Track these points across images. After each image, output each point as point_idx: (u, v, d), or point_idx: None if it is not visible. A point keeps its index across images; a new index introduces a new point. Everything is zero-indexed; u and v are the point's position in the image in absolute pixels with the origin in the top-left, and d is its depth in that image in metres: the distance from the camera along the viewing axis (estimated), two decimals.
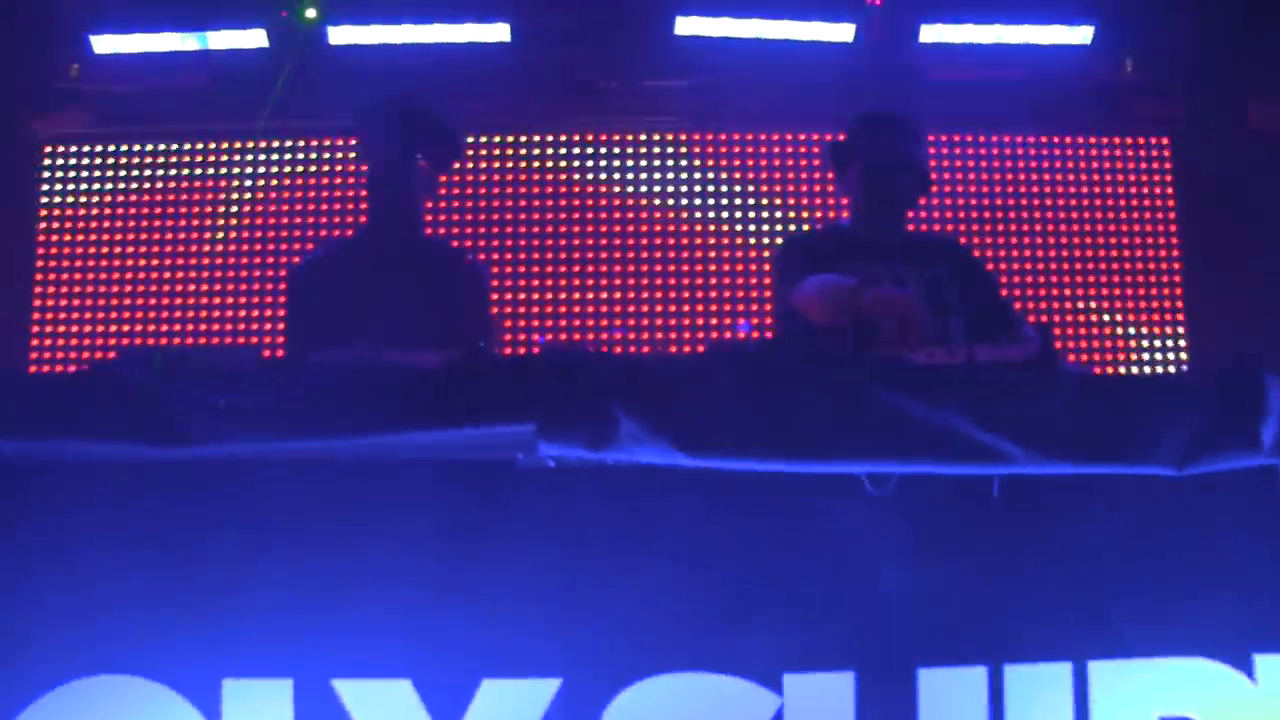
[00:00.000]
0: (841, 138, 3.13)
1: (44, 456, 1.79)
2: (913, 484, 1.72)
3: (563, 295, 5.21)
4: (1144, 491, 1.75)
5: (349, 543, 1.74)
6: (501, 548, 1.73)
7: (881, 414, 1.67)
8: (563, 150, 5.25)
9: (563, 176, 5.23)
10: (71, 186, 5.57)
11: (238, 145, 5.41)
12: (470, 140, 5.21)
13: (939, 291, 2.85)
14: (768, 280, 5.03)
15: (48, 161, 5.61)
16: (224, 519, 1.74)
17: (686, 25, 4.43)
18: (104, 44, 4.84)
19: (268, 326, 5.28)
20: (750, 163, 5.26)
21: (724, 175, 5.21)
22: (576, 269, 5.21)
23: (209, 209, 5.46)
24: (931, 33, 4.49)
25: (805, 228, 5.03)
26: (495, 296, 4.95)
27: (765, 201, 5.20)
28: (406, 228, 3.06)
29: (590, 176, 5.22)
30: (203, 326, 5.40)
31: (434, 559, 1.71)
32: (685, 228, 5.18)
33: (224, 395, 1.78)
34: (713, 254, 5.17)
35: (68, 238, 5.57)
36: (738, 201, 5.18)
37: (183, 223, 5.46)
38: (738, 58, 4.61)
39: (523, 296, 5.19)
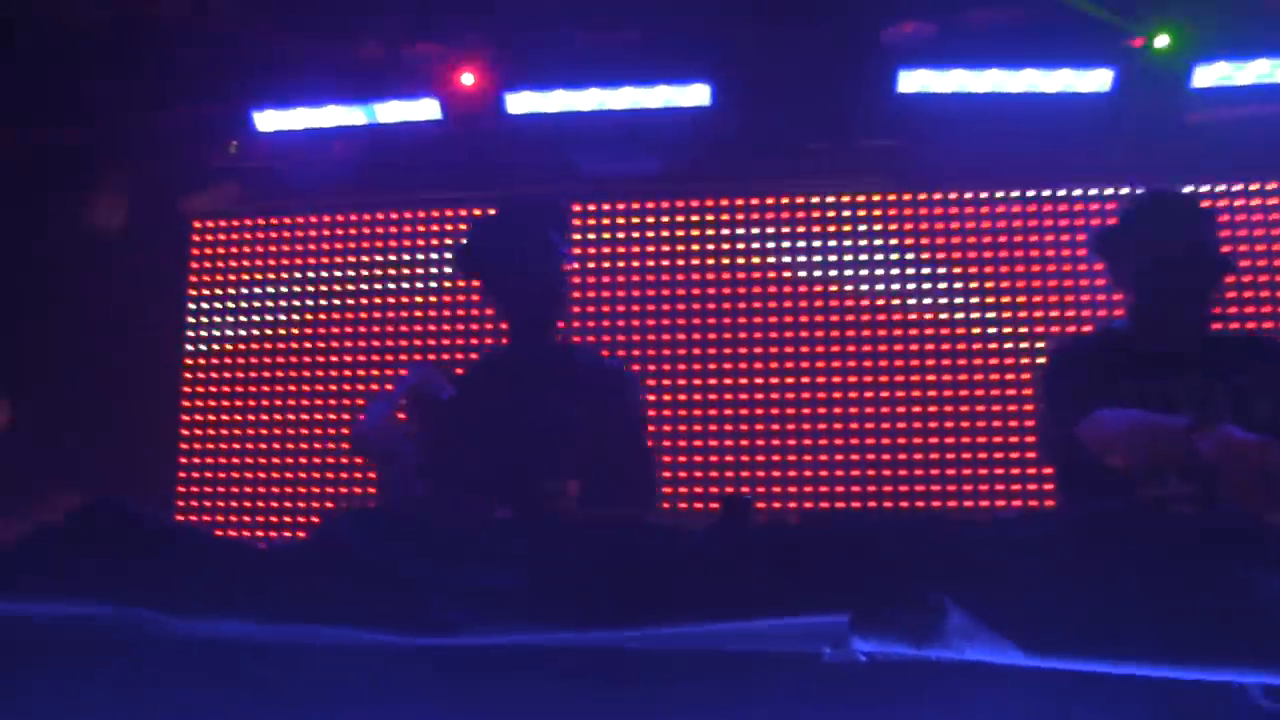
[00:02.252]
0: (1112, 222, 3.01)
1: (288, 639, 1.81)
2: None
3: (756, 395, 5.16)
4: None
5: None
6: None
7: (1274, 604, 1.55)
8: (754, 216, 5.27)
9: (753, 252, 5.21)
10: (221, 264, 5.88)
11: (406, 216, 5.62)
12: (664, 206, 5.28)
13: (1248, 407, 2.67)
14: (1014, 391, 4.91)
15: (197, 238, 5.93)
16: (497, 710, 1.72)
17: (911, 81, 4.37)
18: (267, 121, 5.05)
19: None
20: (972, 225, 5.16)
21: (939, 243, 5.12)
22: (777, 363, 5.16)
23: (374, 284, 5.66)
24: (1208, 75, 4.30)
25: (1071, 330, 4.87)
26: (654, 413, 4.98)
27: (988, 273, 5.07)
28: (550, 339, 3.07)
29: (784, 246, 5.19)
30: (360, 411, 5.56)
31: None
32: (901, 316, 5.09)
33: (479, 575, 1.77)
34: (944, 348, 5.04)
35: (217, 319, 5.84)
36: (959, 275, 5.07)
37: (345, 300, 5.69)
38: (967, 112, 4.53)
39: (713, 397, 5.19)
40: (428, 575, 1.83)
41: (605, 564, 1.83)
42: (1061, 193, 5.03)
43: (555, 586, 1.76)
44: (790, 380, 5.14)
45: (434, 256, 5.59)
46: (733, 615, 1.69)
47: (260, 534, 5.53)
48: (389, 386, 5.11)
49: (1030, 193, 5.07)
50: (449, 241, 5.58)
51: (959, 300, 5.05)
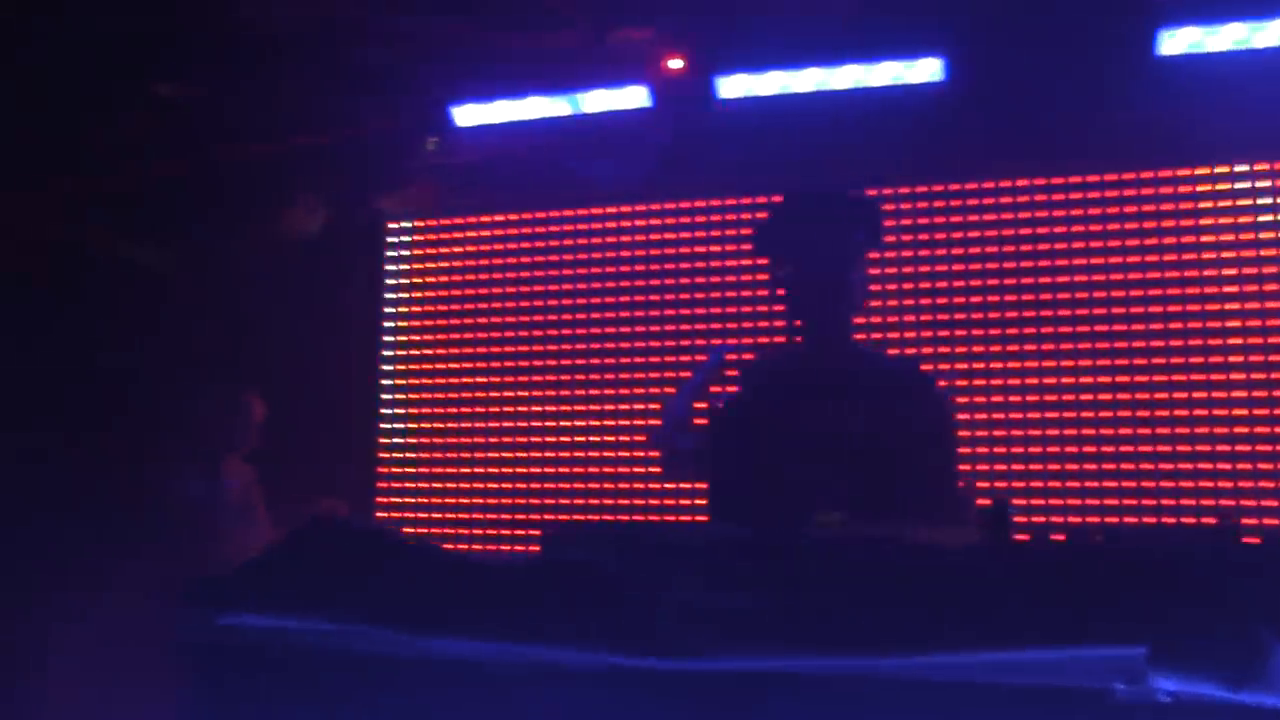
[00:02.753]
0: None
1: (517, 659, 1.82)
2: None
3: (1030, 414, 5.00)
4: None
5: None
6: None
7: None
8: (997, 201, 5.11)
9: (1005, 240, 5.06)
10: (419, 266, 6.04)
11: (610, 211, 5.67)
12: (889, 193, 5.18)
13: None
14: None
15: (392, 239, 6.11)
16: None
17: (1176, 42, 4.16)
18: (467, 115, 5.16)
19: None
20: (1248, 202, 4.89)
21: (1223, 223, 4.86)
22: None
23: (578, 284, 5.72)
24: None
25: None
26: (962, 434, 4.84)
27: None
28: (846, 345, 2.99)
29: (1039, 233, 5.02)
30: (577, 433, 5.65)
31: None
32: (1179, 308, 4.86)
33: (720, 595, 1.74)
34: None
35: (415, 324, 6.00)
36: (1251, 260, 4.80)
37: (550, 301, 5.77)
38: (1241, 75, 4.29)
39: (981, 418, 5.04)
40: (664, 594, 1.81)
41: (859, 584, 1.78)
42: None
43: (805, 608, 1.72)
44: (1065, 375, 4.96)
45: (640, 253, 5.61)
46: (1005, 643, 1.62)
47: (462, 548, 5.65)
48: (683, 377, 5.18)
49: None
50: (657, 237, 5.59)
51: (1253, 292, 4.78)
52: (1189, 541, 1.73)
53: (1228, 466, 4.69)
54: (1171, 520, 4.65)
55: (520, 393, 5.78)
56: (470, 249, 6.01)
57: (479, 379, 5.87)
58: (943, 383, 3.13)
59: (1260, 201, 4.81)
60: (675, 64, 4.82)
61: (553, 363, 5.75)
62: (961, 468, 4.68)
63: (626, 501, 5.48)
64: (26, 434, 5.21)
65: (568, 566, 1.92)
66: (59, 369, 5.29)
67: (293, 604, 2.00)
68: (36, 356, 5.20)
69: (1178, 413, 4.79)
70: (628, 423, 5.54)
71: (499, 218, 5.94)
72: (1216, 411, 4.74)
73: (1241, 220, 4.82)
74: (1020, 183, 5.09)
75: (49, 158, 5.19)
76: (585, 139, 5.11)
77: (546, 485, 5.65)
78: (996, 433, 4.90)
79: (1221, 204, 4.86)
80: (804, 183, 4.34)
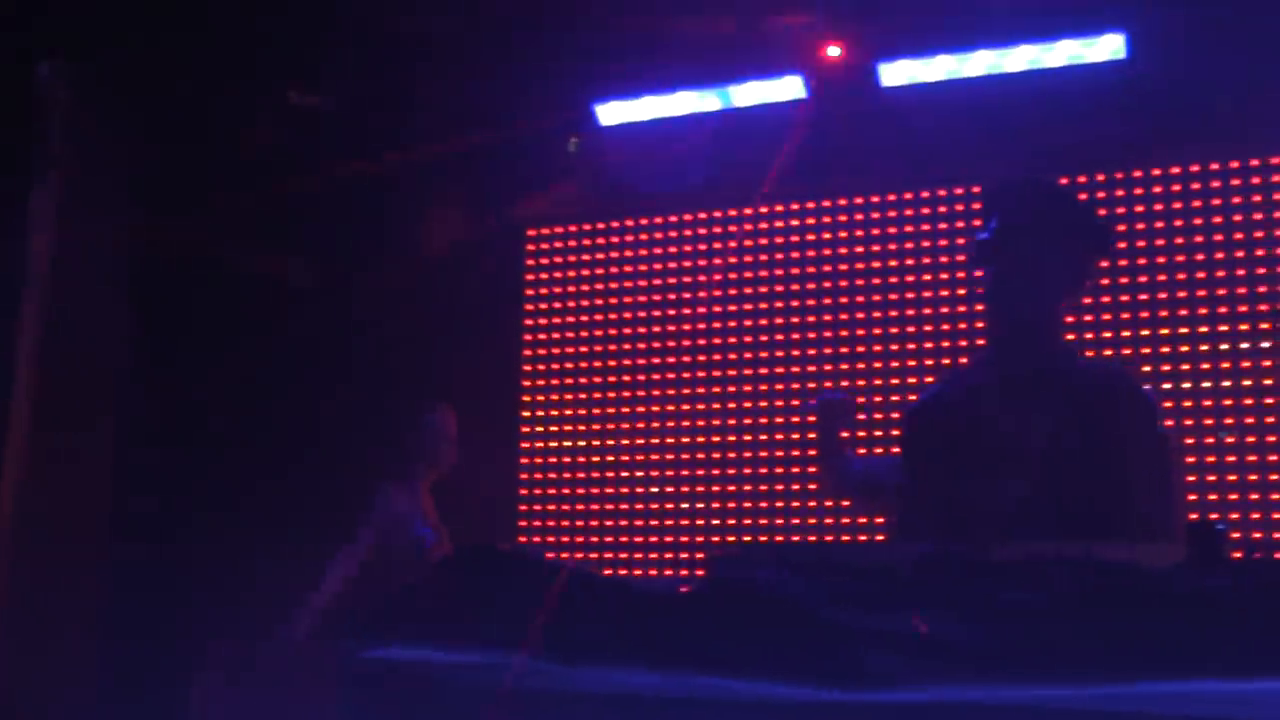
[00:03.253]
0: None
1: (692, 693, 1.85)
2: None
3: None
4: None
5: None
6: None
7: None
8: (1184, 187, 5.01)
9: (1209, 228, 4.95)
10: (559, 274, 6.12)
11: (763, 212, 5.69)
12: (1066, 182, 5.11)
13: None
14: None
15: (532, 247, 6.20)
16: None
17: None
18: (611, 113, 5.23)
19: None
20: None
21: None
22: None
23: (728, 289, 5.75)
24: None
25: None
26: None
27: None
28: (1046, 347, 2.96)
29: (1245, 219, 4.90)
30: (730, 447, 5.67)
31: None
32: None
33: (920, 620, 1.76)
34: None
35: (556, 335, 6.09)
36: None
37: (699, 309, 5.81)
38: None
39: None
40: (852, 620, 1.83)
41: (1064, 609, 1.78)
42: None
43: (1005, 634, 1.73)
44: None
45: (795, 255, 5.62)
46: (1227, 672, 1.61)
47: (616, 571, 5.70)
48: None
49: None
50: (814, 237, 5.59)
51: None
52: None
53: None
54: None
55: (668, 406, 5.81)
56: (615, 254, 6.07)
57: (624, 393, 5.92)
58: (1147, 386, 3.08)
59: None
60: (833, 51, 4.83)
61: (702, 374, 5.77)
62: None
63: (783, 521, 5.48)
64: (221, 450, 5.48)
65: (743, 589, 1.95)
66: (242, 388, 5.54)
67: (443, 635, 2.05)
68: (210, 378, 5.46)
69: None
70: (783, 437, 5.54)
71: (644, 221, 6.00)
72: None
73: None
74: (1212, 167, 4.97)
75: (194, 175, 5.42)
76: (737, 135, 5.14)
77: (698, 505, 5.68)
78: (1187, 440, 4.79)
79: None
80: (978, 176, 4.34)
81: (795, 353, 5.59)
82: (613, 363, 5.97)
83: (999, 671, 1.72)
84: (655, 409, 5.83)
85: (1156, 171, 5.01)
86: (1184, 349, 4.91)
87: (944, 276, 5.27)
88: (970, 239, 3.12)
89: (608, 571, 5.68)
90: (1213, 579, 1.87)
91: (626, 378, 5.93)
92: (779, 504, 5.53)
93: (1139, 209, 5.03)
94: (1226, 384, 4.82)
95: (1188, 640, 1.69)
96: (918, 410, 3.15)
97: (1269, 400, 4.77)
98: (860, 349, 5.46)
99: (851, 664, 1.74)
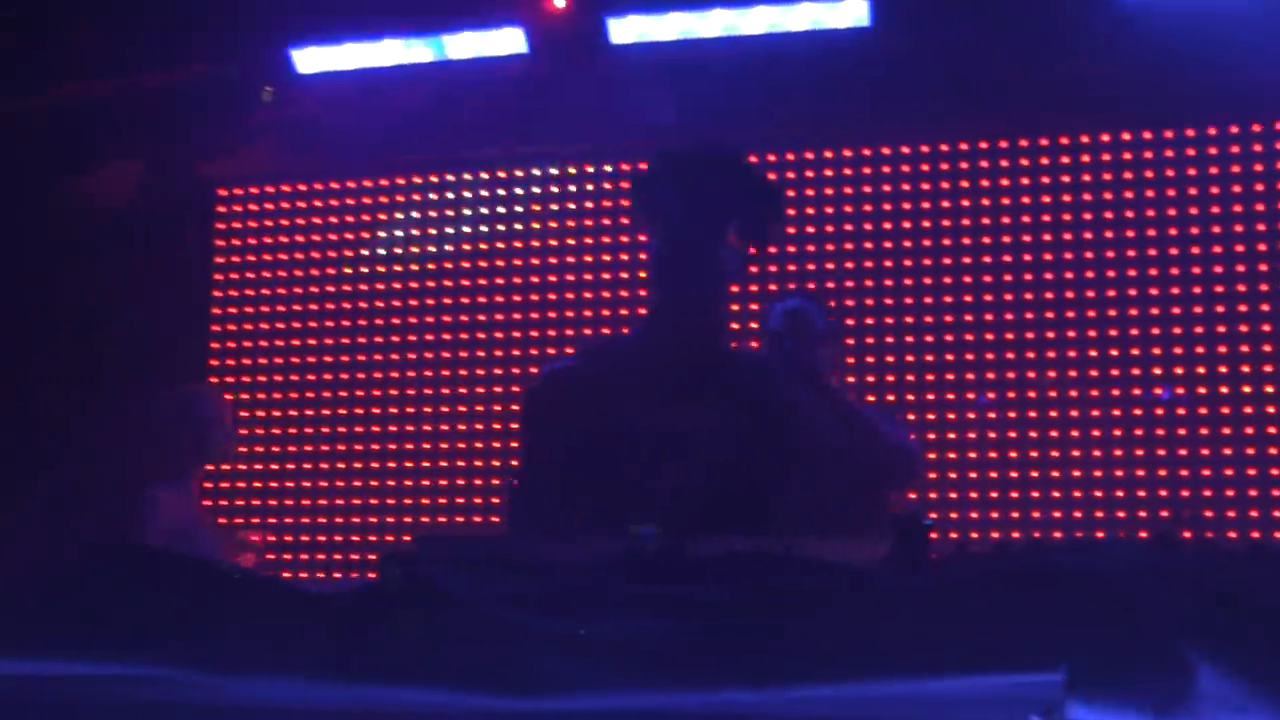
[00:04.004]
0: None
1: (357, 704, 1.85)
2: None
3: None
4: None
5: None
6: None
7: None
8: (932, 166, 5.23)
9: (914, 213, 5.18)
10: (253, 240, 5.99)
11: (484, 177, 5.70)
12: (810, 158, 5.27)
13: None
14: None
15: (223, 209, 6.06)
16: None
17: None
18: (310, 60, 5.14)
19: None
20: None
21: (1168, 196, 5.03)
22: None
23: (429, 262, 5.73)
24: None
25: None
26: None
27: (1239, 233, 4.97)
28: (705, 333, 3.05)
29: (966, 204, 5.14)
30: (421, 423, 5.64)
31: None
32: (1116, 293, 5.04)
33: (591, 620, 1.79)
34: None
35: (249, 309, 5.97)
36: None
37: (391, 282, 5.80)
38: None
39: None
40: (531, 622, 1.85)
41: (756, 608, 1.84)
42: None
43: (693, 636, 1.77)
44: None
45: (518, 227, 5.64)
46: (910, 672, 1.68)
47: (303, 575, 5.61)
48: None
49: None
50: (537, 208, 5.62)
51: (1198, 269, 4.97)
52: (1114, 555, 1.82)
53: (1164, 474, 4.87)
54: (1115, 533, 4.80)
55: (374, 391, 5.75)
56: (315, 220, 5.98)
57: (324, 374, 5.85)
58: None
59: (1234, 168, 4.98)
60: (558, 2, 4.85)
61: (411, 355, 5.73)
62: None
63: (482, 515, 5.52)
64: None
65: (413, 588, 1.95)
66: None
67: (74, 645, 1.99)
68: None
69: (1114, 412, 4.96)
70: (483, 409, 5.58)
71: (350, 185, 5.93)
72: (1157, 411, 4.93)
73: (1212, 190, 4.98)
74: (961, 146, 5.20)
75: None
76: (449, 90, 5.11)
77: (389, 485, 5.66)
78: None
79: (1189, 170, 5.02)
80: (702, 143, 4.40)
81: (499, 335, 5.64)
82: (313, 341, 5.90)
83: (685, 674, 1.76)
84: (356, 393, 5.77)
85: (906, 150, 5.24)
86: (909, 339, 5.18)
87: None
88: (638, 213, 3.16)
89: (288, 557, 5.63)
90: (913, 576, 1.95)
91: (328, 358, 5.86)
92: (477, 491, 5.56)
93: (866, 189, 5.26)
94: (951, 376, 5.06)
95: (882, 640, 1.76)
96: (546, 387, 3.18)
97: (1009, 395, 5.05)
98: (570, 315, 5.55)
99: (528, 669, 1.76)
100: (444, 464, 5.61)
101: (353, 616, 1.93)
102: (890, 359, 5.15)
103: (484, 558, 2.06)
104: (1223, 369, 4.88)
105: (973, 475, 4.99)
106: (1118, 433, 4.91)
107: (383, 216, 5.86)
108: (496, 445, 5.47)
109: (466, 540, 2.19)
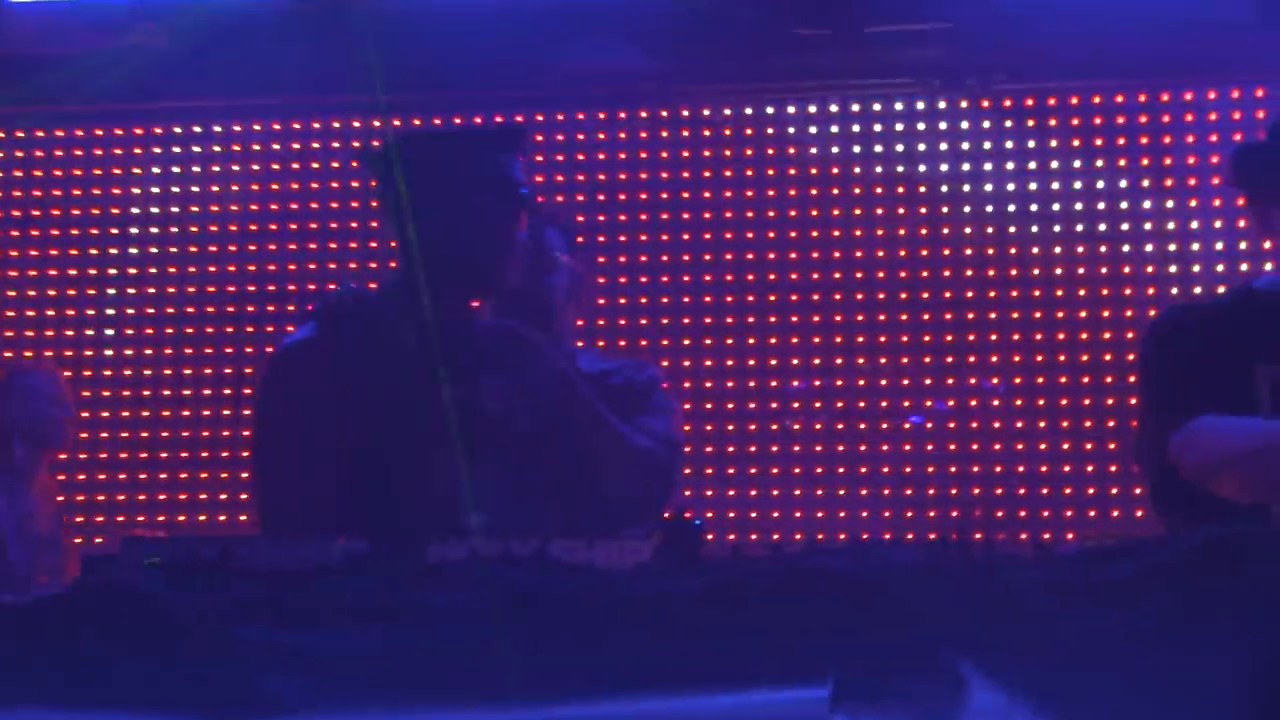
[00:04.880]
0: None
1: None
2: None
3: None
4: None
5: None
6: None
7: None
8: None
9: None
10: None
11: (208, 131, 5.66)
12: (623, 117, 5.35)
13: None
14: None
15: None
16: None
17: None
18: None
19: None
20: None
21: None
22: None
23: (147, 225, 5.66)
24: None
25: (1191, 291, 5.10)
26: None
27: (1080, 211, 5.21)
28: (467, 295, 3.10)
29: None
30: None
31: None
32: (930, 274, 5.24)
33: (320, 632, 1.79)
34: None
35: None
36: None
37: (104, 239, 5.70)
38: None
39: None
40: (246, 633, 1.84)
41: (497, 615, 1.85)
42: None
43: (426, 649, 1.78)
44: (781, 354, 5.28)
45: (254, 187, 5.60)
46: (669, 688, 1.71)
47: None
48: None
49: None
50: (277, 167, 5.60)
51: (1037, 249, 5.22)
52: (890, 557, 1.87)
53: (954, 470, 5.11)
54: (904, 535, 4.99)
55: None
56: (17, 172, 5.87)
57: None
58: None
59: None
60: None
61: (129, 330, 5.67)
62: None
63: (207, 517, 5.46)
64: None
65: (112, 595, 1.92)
66: None
67: None
68: None
69: (874, 403, 5.22)
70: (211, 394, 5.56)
71: (59, 133, 5.82)
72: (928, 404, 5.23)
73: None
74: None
75: None
76: (189, 31, 5.04)
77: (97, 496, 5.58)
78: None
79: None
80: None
81: (230, 309, 5.65)
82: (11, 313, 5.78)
83: (416, 691, 1.77)
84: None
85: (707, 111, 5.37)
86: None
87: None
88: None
89: None
90: (679, 579, 1.99)
91: (29, 332, 5.74)
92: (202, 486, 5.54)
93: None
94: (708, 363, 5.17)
95: (633, 653, 1.79)
96: (291, 352, 3.16)
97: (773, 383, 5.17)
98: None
99: (238, 687, 1.75)
100: (164, 455, 5.54)
101: (40, 626, 1.90)
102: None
103: (195, 561, 2.03)
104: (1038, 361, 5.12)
105: (753, 471, 5.12)
106: (906, 426, 5.10)
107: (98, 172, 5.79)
108: (226, 434, 5.43)
109: (177, 542, 2.15)
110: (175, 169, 5.75)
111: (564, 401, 2.98)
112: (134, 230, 5.73)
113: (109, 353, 5.67)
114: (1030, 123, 5.30)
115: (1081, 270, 5.27)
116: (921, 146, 5.37)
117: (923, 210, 5.38)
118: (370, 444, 2.92)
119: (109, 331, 5.67)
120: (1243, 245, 5.09)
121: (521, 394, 2.96)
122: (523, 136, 3.23)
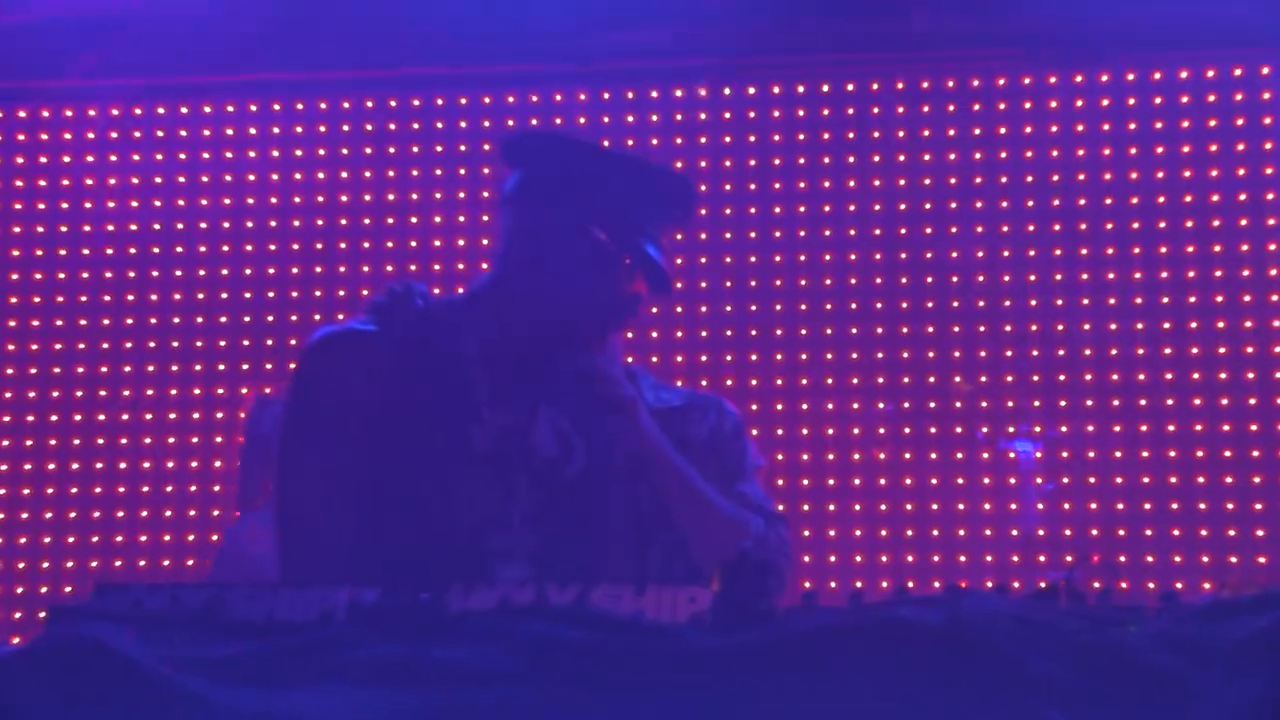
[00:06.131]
0: None
1: None
2: None
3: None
4: None
5: None
6: None
7: None
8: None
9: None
10: None
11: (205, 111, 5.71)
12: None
13: None
14: None
15: None
16: None
17: None
18: None
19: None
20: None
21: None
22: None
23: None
24: None
25: None
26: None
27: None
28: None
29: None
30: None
31: None
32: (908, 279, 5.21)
33: (322, 691, 1.80)
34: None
35: None
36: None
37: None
38: None
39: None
40: (235, 699, 1.85)
41: (526, 677, 1.85)
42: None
43: (439, 715, 1.78)
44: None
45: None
46: None
47: None
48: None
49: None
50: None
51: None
52: (984, 609, 1.86)
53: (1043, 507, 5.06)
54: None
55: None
56: None
57: None
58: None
59: None
60: None
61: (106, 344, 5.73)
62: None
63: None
64: None
65: (80, 650, 1.93)
66: None
67: None
68: None
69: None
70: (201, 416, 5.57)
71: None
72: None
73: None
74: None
75: None
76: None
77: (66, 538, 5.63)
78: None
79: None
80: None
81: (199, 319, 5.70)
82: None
83: None
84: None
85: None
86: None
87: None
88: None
89: None
90: (742, 632, 1.99)
91: None
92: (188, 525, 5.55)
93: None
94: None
95: (699, 717, 1.79)
96: (338, 352, 3.09)
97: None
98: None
99: None
100: (146, 489, 5.57)
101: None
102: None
103: (178, 611, 2.03)
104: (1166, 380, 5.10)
105: (832, 508, 5.12)
106: (1011, 455, 5.09)
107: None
108: (217, 465, 5.47)
109: (157, 589, 2.13)
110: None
111: (646, 462, 2.96)
112: None
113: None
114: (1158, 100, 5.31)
115: (1219, 273, 5.25)
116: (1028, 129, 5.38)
117: (1030, 204, 5.37)
118: (402, 457, 2.92)
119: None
120: None
121: (582, 436, 2.96)
122: (695, 202, 3.18)
